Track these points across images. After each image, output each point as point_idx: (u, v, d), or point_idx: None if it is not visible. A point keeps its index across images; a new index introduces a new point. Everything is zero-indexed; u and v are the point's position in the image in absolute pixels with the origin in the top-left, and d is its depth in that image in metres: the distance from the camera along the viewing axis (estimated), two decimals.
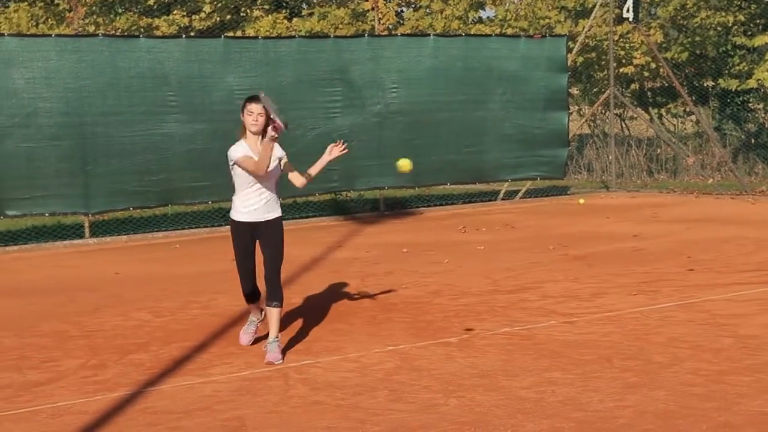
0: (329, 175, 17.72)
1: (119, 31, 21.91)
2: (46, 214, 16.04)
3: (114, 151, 15.96)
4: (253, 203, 8.29)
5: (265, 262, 8.31)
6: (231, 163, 8.28)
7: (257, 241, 8.34)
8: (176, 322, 9.71)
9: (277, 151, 8.49)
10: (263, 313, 8.59)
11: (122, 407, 6.84)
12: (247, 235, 8.29)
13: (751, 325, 8.63)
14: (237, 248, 8.36)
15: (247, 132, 8.37)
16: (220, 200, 17.32)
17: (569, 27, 23.63)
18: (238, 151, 8.23)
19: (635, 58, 23.84)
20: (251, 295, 8.52)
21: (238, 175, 8.28)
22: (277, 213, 8.43)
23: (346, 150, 9.00)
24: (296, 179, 8.93)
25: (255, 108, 8.28)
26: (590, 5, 24.06)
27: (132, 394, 7.16)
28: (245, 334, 8.70)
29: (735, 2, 23.49)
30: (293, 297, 10.71)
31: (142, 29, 22.36)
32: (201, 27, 23.63)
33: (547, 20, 23.99)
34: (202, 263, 13.65)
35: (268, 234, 8.31)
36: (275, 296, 8.22)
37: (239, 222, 8.29)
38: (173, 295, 11.16)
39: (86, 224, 16.40)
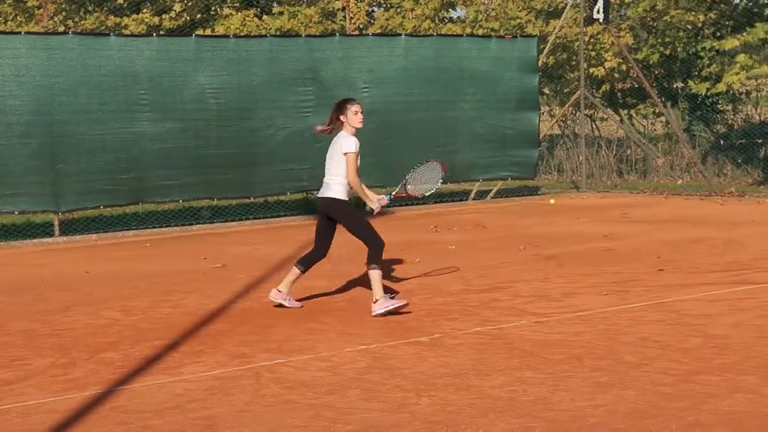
0: (300, 174, 17.74)
1: (87, 30, 21.79)
2: (16, 212, 15.97)
3: (84, 149, 15.90)
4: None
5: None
6: (345, 151, 9.61)
7: None
8: (147, 321, 9.68)
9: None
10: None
11: (93, 406, 6.80)
12: None
13: (719, 325, 8.69)
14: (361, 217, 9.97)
15: (352, 129, 9.70)
16: (191, 199, 17.30)
17: (540, 27, 23.70)
18: (357, 145, 9.69)
19: (606, 60, 23.94)
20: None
21: (344, 162, 9.65)
22: None
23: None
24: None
25: (360, 107, 9.70)
26: (560, 6, 24.16)
27: (102, 392, 7.13)
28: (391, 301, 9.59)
29: (704, 3, 23.61)
30: (263, 296, 10.69)
31: (110, 28, 22.24)
32: (171, 26, 23.54)
33: (518, 20, 24.06)
34: (172, 262, 13.61)
35: None
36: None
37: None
38: (144, 294, 11.13)
39: (56, 222, 16.31)
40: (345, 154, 9.60)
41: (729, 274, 11.18)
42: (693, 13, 23.28)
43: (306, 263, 9.95)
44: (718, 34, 23.94)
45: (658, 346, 8.02)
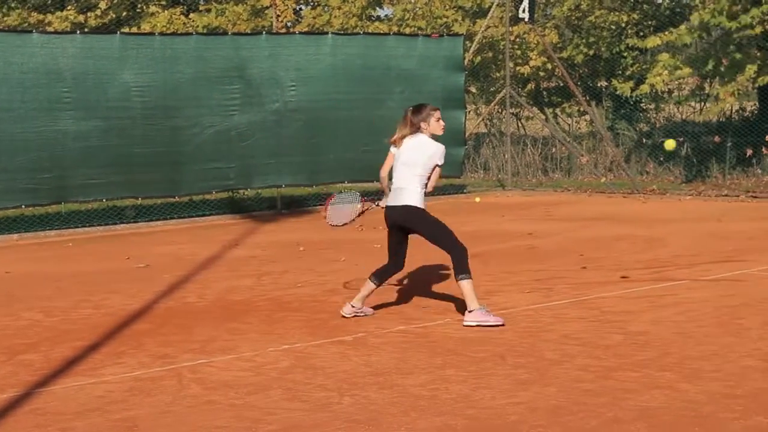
0: (226, 172, 17.67)
1: (9, 27, 21.49)
2: None
3: (5, 147, 15.67)
4: None
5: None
6: (435, 163, 9.49)
7: None
8: (68, 322, 9.57)
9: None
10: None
11: (10, 409, 6.72)
12: None
13: (640, 321, 8.80)
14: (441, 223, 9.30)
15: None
16: (115, 198, 17.13)
17: (467, 26, 23.81)
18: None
19: (531, 58, 24.13)
20: None
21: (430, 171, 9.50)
22: None
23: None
24: None
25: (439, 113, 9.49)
26: (487, 5, 24.29)
27: (21, 395, 7.04)
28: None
29: (628, 2, 23.91)
30: (188, 296, 10.64)
31: (33, 25, 21.96)
32: (96, 24, 23.30)
33: (444, 19, 24.15)
34: (95, 262, 13.49)
35: None
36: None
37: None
38: (65, 295, 11.01)
39: None
40: (439, 166, 9.48)
41: (650, 271, 11.33)
42: (617, 12, 23.57)
43: (380, 277, 9.29)
44: (641, 33, 24.25)
45: (580, 343, 8.10)
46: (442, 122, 9.45)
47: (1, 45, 15.70)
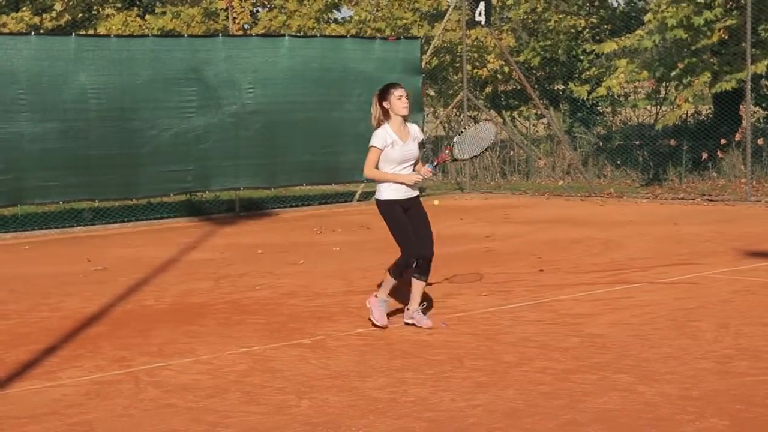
0: (183, 175, 17.60)
1: None
2: None
3: None
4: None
5: (424, 237, 8.82)
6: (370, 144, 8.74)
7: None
8: (24, 325, 9.49)
9: (418, 134, 8.98)
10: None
11: None
12: (401, 210, 8.79)
13: (597, 324, 8.85)
14: (399, 221, 8.80)
15: (393, 116, 8.75)
16: (72, 200, 17.03)
17: (426, 30, 23.85)
18: (383, 139, 8.69)
19: (489, 61, 24.21)
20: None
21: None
22: (417, 192, 8.93)
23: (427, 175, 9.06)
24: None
25: (402, 92, 8.78)
26: (444, 8, 24.36)
27: None
28: (383, 314, 8.90)
29: (584, 7, 24.06)
30: (145, 299, 10.59)
31: None
32: (51, 26, 23.15)
33: (404, 21, 24.18)
34: (51, 264, 13.39)
35: (418, 210, 8.87)
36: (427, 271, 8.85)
37: (394, 200, 8.76)
38: (21, 297, 10.92)
39: None
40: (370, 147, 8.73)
41: (607, 274, 11.40)
42: (573, 17, 23.72)
43: (414, 271, 8.90)
44: (598, 37, 24.41)
45: (538, 345, 8.14)
46: (404, 100, 8.72)
47: None
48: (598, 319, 9.07)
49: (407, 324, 8.93)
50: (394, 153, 8.70)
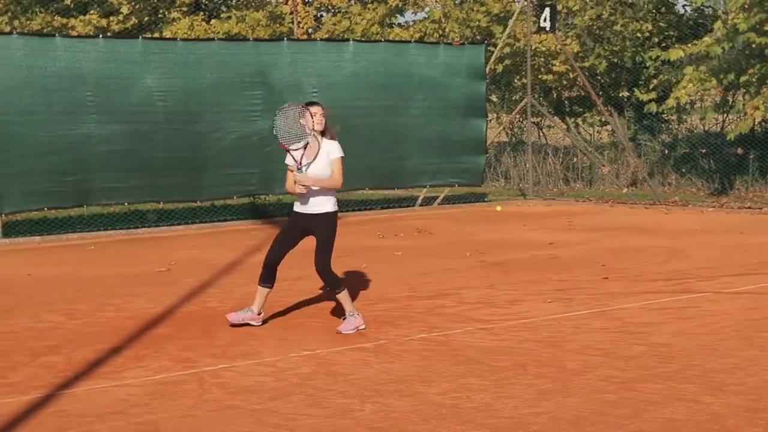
0: (248, 178, 17.69)
1: (33, 30, 21.59)
2: None
3: (29, 150, 15.73)
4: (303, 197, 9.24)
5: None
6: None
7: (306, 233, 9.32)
8: (90, 325, 9.60)
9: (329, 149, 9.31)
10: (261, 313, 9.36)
11: (33, 410, 6.74)
12: (296, 224, 9.34)
13: (662, 333, 8.76)
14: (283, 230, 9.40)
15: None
16: (137, 202, 17.18)
17: (500, 31, 23.72)
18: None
19: (554, 65, 24.09)
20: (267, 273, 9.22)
21: None
22: (326, 208, 9.27)
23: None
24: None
25: (317, 110, 9.30)
26: (515, 11, 24.28)
27: (43, 397, 7.06)
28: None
29: (650, 13, 23.85)
30: (209, 301, 10.66)
31: (56, 29, 22.05)
32: (118, 29, 23.39)
33: (476, 23, 24.09)
34: (117, 265, 13.51)
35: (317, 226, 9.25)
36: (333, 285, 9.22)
37: (294, 212, 9.37)
38: (87, 297, 11.03)
39: None
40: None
41: (672, 282, 11.29)
42: (639, 22, 23.52)
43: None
44: (664, 44, 24.19)
45: (602, 353, 8.07)
46: (317, 117, 9.28)
47: (25, 49, 15.77)
48: (663, 328, 8.98)
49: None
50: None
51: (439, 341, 8.65)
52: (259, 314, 9.34)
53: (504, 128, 25.34)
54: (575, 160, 24.86)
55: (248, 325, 9.29)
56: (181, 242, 15.96)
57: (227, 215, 18.72)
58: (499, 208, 20.13)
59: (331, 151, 9.27)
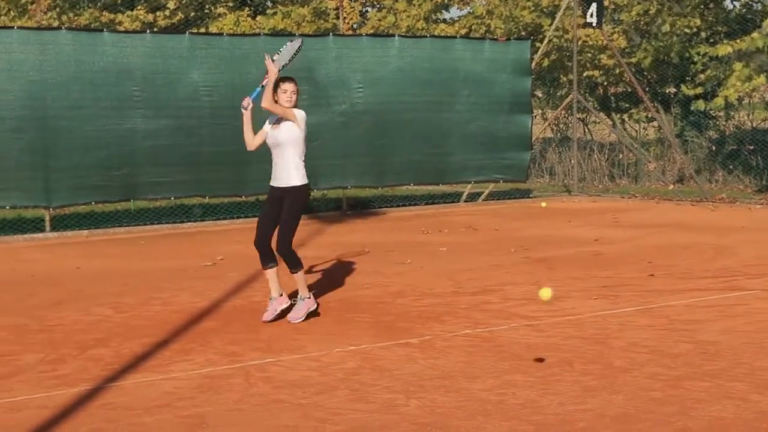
0: None
1: (81, 26, 21.76)
2: (7, 207, 15.92)
3: (76, 144, 15.88)
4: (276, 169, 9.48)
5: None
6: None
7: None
8: (137, 318, 9.67)
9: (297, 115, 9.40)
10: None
11: (82, 403, 6.80)
12: (271, 200, 9.46)
13: (709, 331, 8.70)
14: (263, 208, 9.52)
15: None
16: (183, 196, 17.27)
17: (548, 24, 23.62)
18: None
19: (601, 59, 23.96)
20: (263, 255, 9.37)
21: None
22: (294, 182, 9.41)
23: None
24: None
25: (289, 86, 9.26)
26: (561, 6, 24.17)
27: (91, 389, 7.13)
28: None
29: (698, 8, 23.65)
30: (255, 295, 10.70)
31: (104, 24, 22.22)
32: (165, 24, 23.53)
33: (521, 19, 24.02)
34: (163, 259, 13.61)
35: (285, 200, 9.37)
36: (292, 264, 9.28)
37: (270, 186, 9.50)
38: (134, 291, 11.12)
39: (47, 218, 16.29)
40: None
41: (719, 280, 11.20)
42: (687, 18, 23.33)
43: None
44: (711, 39, 23.99)
45: (648, 351, 8.03)
46: (283, 95, 9.31)
47: (73, 44, 15.90)
48: (711, 325, 8.92)
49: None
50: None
51: (483, 337, 8.64)
52: (281, 295, 9.44)
53: (549, 124, 25.23)
54: (621, 156, 24.71)
55: (285, 312, 9.40)
56: (227, 237, 16.04)
57: None
58: (544, 204, 20.05)
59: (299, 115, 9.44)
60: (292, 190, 9.36)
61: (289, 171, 9.42)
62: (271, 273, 9.42)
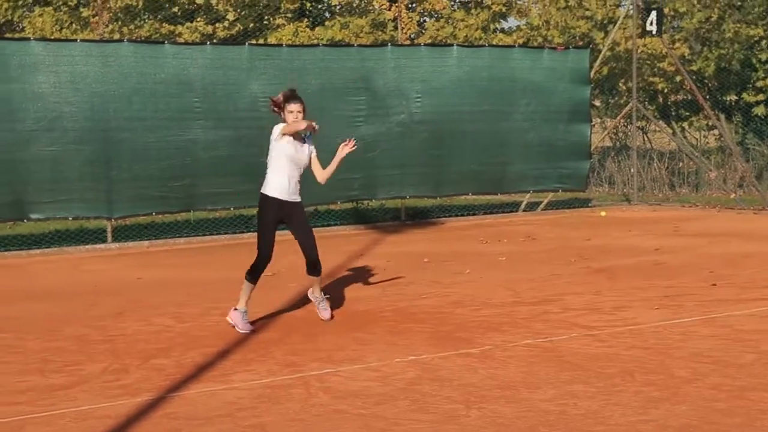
0: (350, 183, 17.73)
1: (142, 38, 21.98)
2: (70, 218, 16.07)
3: (138, 156, 16.01)
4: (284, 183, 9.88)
5: (308, 246, 10.02)
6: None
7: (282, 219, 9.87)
8: (198, 328, 9.74)
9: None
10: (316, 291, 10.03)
11: (145, 412, 6.86)
12: (275, 210, 9.85)
13: None
14: (266, 221, 9.99)
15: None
16: (242, 207, 17.36)
17: (601, 37, 23.53)
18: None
19: (661, 67, 23.78)
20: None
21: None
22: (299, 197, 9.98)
23: (355, 147, 10.40)
24: (318, 172, 10.31)
25: (295, 107, 9.82)
26: (618, 17, 24.03)
27: (154, 399, 7.19)
28: (247, 323, 9.61)
29: (760, 15, 23.40)
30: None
31: (164, 36, 22.42)
32: (224, 35, 23.70)
33: (577, 29, 23.92)
34: (222, 270, 13.68)
35: (299, 215, 10.04)
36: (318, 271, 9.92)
37: (274, 198, 9.87)
38: (195, 301, 11.20)
39: (109, 229, 16.45)
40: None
41: None
42: (750, 26, 23.10)
43: (307, 272, 10.23)
44: None
45: (711, 361, 7.95)
46: (290, 115, 9.90)
47: (135, 56, 16.04)
48: None
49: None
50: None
51: (544, 347, 8.60)
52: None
53: (608, 133, 25.08)
54: (681, 164, 24.49)
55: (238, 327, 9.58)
56: (286, 247, 16.00)
57: (330, 220, 18.83)
58: (603, 213, 19.94)
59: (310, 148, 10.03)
60: (299, 203, 10.03)
61: (297, 187, 10.00)
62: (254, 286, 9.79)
